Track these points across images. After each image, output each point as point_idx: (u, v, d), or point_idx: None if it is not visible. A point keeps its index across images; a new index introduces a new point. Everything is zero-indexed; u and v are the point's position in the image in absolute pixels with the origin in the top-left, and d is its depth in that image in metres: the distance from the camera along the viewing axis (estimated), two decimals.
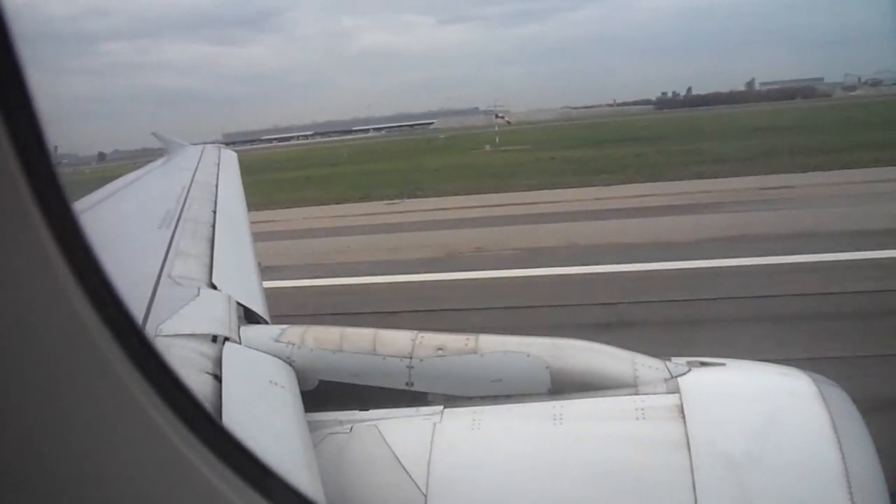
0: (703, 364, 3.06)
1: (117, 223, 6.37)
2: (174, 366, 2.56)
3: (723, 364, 3.07)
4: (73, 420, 1.27)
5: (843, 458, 2.53)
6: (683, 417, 2.74)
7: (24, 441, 1.23)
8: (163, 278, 3.88)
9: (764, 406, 2.81)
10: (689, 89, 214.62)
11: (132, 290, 3.56)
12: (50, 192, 1.15)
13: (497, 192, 34.60)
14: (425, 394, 3.11)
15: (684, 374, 2.97)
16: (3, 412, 1.20)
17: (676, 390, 2.89)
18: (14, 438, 1.23)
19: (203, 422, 1.59)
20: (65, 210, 1.21)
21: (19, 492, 1.25)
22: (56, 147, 1.17)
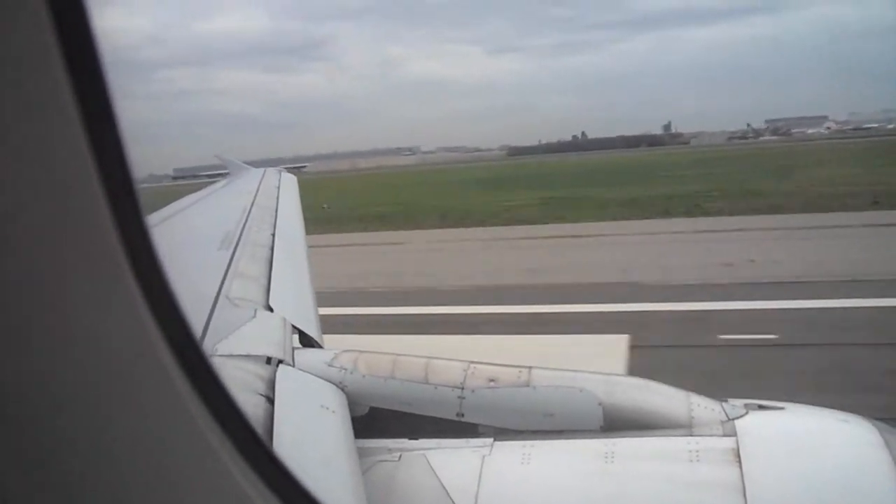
0: (761, 407, 2.98)
1: (179, 243, 6.52)
2: (231, 389, 2.60)
3: (782, 408, 2.98)
4: (128, 430, 1.29)
5: None
6: (740, 462, 2.66)
7: (80, 451, 1.26)
8: (221, 299, 3.95)
9: (825, 453, 2.71)
10: (583, 133, 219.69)
11: (191, 310, 3.64)
12: (128, 211, 1.18)
13: None
14: (476, 425, 3.08)
15: (741, 416, 2.89)
16: (66, 419, 1.23)
17: (733, 433, 2.81)
18: (72, 448, 1.25)
19: (256, 449, 1.60)
20: (140, 227, 1.24)
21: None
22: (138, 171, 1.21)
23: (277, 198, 9.12)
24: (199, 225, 7.84)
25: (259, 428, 2.45)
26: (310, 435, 2.72)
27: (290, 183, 11.03)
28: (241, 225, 6.58)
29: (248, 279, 4.61)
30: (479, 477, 2.78)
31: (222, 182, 12.75)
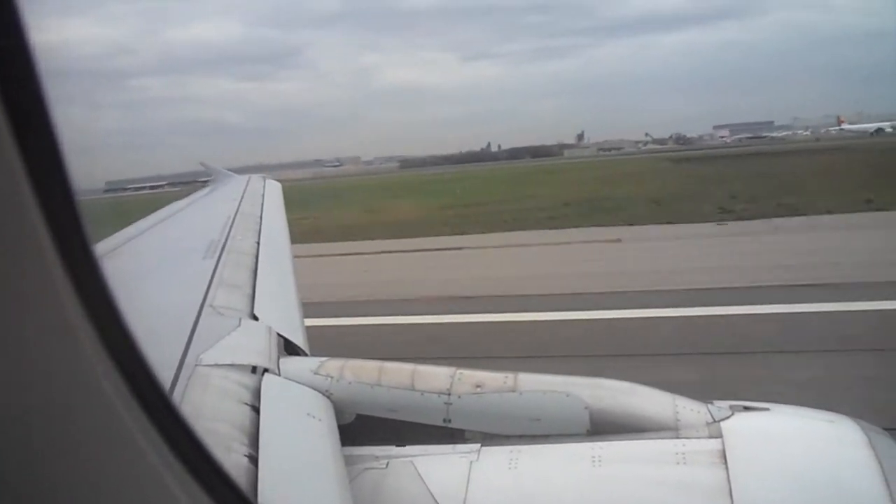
0: (747, 408, 2.99)
1: (163, 252, 6.50)
2: (214, 398, 2.57)
3: (767, 409, 3.00)
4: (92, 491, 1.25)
5: None
6: (726, 463, 2.67)
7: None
8: (205, 308, 3.94)
9: (811, 454, 2.72)
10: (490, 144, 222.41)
11: (175, 319, 3.62)
12: (67, 226, 1.13)
13: None
14: (463, 431, 3.08)
15: (727, 418, 2.91)
16: (16, 477, 1.19)
17: (719, 435, 2.82)
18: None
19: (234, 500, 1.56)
20: (80, 242, 1.17)
21: None
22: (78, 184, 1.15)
23: (262, 205, 9.09)
24: (183, 232, 7.81)
25: (244, 437, 2.43)
26: (296, 443, 2.71)
27: (274, 190, 10.99)
28: (226, 233, 6.56)
29: (232, 288, 4.59)
30: (467, 482, 2.78)
31: (207, 189, 12.70)
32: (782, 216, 30.59)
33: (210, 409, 2.59)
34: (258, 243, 6.48)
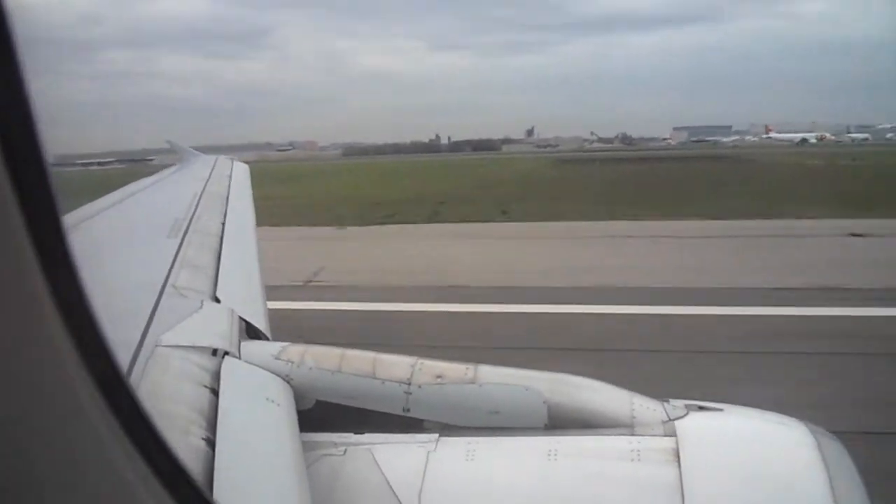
0: (701, 408, 3.05)
1: (127, 229, 6.40)
2: (174, 382, 2.55)
3: (720, 409, 3.06)
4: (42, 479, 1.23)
5: None
6: (679, 461, 2.72)
7: None
8: (168, 288, 3.90)
9: (759, 454, 2.79)
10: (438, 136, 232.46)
11: (136, 299, 3.58)
12: (40, 202, 1.11)
13: None
14: (421, 421, 3.10)
15: (681, 417, 2.96)
16: None
17: (673, 433, 2.87)
18: None
19: (192, 497, 1.55)
20: (52, 220, 1.15)
21: None
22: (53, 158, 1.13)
23: (229, 186, 9.00)
24: (148, 211, 7.71)
25: (202, 420, 2.42)
26: (254, 427, 2.70)
27: (241, 172, 10.88)
28: (191, 213, 6.49)
29: (195, 269, 4.55)
30: (424, 472, 2.79)
31: (173, 168, 12.53)
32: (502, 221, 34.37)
33: (169, 391, 2.58)
34: (223, 224, 6.42)
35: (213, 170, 10.44)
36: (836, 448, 2.82)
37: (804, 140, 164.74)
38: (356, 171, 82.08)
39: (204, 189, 8.25)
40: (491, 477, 2.80)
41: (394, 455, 2.90)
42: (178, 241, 5.19)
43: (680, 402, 3.08)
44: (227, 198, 8.10)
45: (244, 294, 4.56)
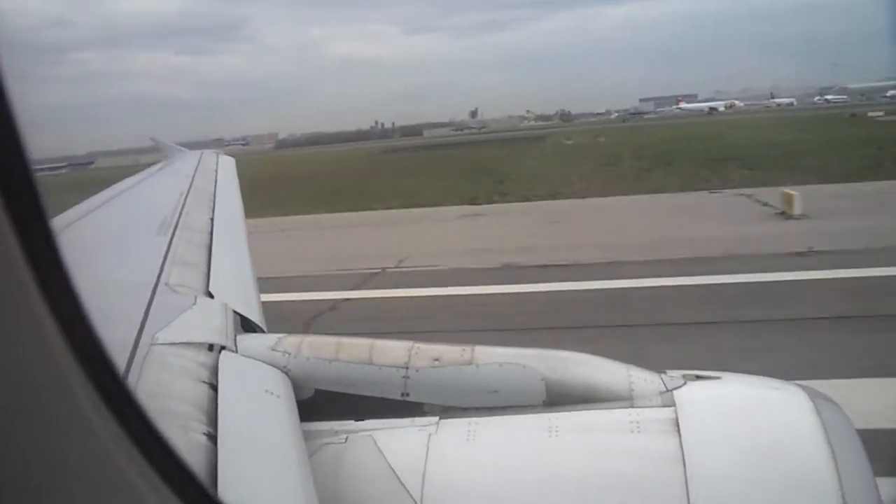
0: (699, 377, 3.07)
1: (115, 229, 6.37)
2: (171, 378, 2.54)
3: (718, 377, 3.08)
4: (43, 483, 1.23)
5: (839, 474, 2.53)
6: (679, 431, 2.74)
7: None
8: (160, 286, 3.88)
9: (758, 421, 2.81)
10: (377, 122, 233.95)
11: (129, 298, 3.56)
12: (30, 217, 1.09)
13: None
14: (421, 404, 3.11)
15: (679, 387, 2.97)
16: None
17: (672, 404, 2.89)
18: None
19: (193, 491, 1.55)
20: (40, 223, 1.15)
21: None
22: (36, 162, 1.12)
23: (215, 181, 8.95)
24: (135, 209, 7.66)
25: (202, 416, 2.42)
26: (255, 420, 2.71)
27: (227, 165, 10.82)
28: (179, 209, 6.45)
29: (187, 265, 4.53)
30: (426, 455, 2.80)
31: (158, 165, 12.43)
32: None
33: (167, 388, 2.57)
34: (212, 219, 6.39)
35: (198, 165, 10.37)
36: (835, 412, 2.84)
37: (713, 109, 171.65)
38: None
39: (191, 185, 8.20)
40: (493, 456, 2.82)
41: (395, 440, 2.91)
42: (169, 238, 5.17)
43: (677, 373, 3.09)
44: (215, 192, 8.06)
45: (237, 288, 4.55)
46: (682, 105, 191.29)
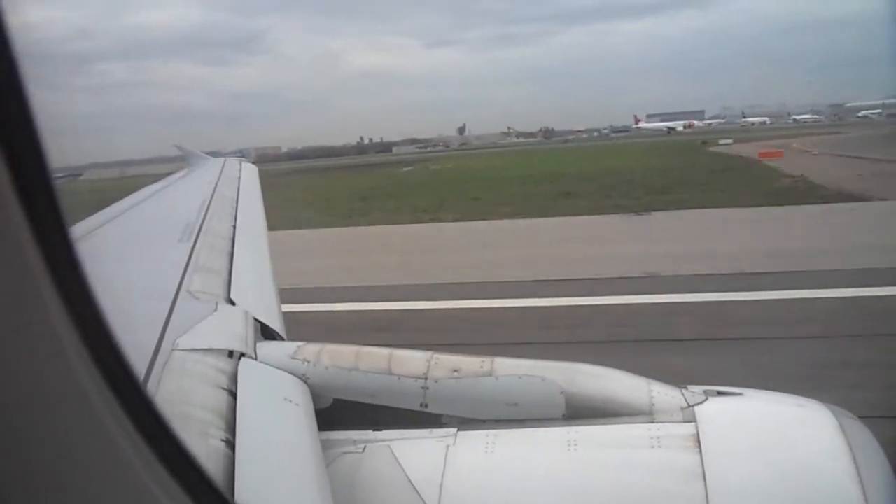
0: (720, 393, 3.03)
1: (138, 235, 6.43)
2: (190, 384, 2.55)
3: (740, 394, 3.04)
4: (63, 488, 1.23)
5: (864, 492, 2.48)
6: (699, 447, 2.71)
7: None
8: (181, 293, 3.90)
9: (781, 438, 2.77)
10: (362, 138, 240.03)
11: (152, 304, 3.59)
12: (45, 213, 1.11)
13: None
14: (439, 416, 3.09)
15: (701, 403, 2.94)
16: None
17: (693, 419, 2.85)
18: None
19: (210, 497, 1.55)
20: (59, 231, 1.15)
21: None
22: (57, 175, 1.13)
23: (238, 188, 9.01)
24: (159, 216, 7.72)
25: (221, 422, 2.43)
26: (273, 428, 2.71)
27: (250, 173, 10.89)
28: (202, 216, 6.49)
29: (209, 272, 4.55)
30: (444, 467, 2.79)
31: (182, 172, 12.54)
32: None
33: (186, 394, 2.58)
34: (234, 227, 6.43)
35: (221, 172, 10.45)
36: (859, 429, 2.79)
37: (671, 129, 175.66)
38: None
39: (214, 192, 8.26)
40: (511, 469, 2.79)
41: (413, 451, 2.89)
42: (191, 245, 5.21)
43: (698, 388, 3.06)
44: (237, 200, 8.11)
45: (258, 295, 4.56)
46: (642, 125, 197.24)
